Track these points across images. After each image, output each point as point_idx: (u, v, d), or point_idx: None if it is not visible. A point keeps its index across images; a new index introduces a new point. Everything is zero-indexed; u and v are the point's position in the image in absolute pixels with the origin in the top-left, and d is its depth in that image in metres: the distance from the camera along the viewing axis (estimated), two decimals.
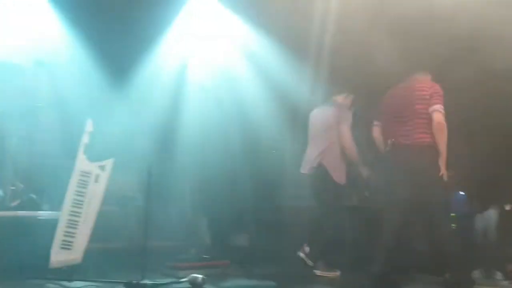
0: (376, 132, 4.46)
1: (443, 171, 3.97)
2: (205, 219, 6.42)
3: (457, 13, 4.57)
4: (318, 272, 4.82)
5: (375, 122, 4.50)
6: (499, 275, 5.03)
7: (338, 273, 4.85)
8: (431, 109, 3.98)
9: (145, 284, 3.56)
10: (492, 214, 5.51)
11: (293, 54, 6.02)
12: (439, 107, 3.97)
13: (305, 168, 5.04)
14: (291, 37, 5.81)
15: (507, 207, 5.25)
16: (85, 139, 4.02)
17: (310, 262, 4.81)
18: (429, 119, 3.99)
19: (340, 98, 5.06)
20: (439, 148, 3.97)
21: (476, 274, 5.27)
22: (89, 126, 4.04)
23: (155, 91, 6.46)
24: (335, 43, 5.69)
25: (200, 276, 3.68)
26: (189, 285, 3.69)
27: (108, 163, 4.17)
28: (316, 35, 5.83)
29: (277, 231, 6.28)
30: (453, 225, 6.28)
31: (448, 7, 4.65)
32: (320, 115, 5.06)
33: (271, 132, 6.57)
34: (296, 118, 6.03)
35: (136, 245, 5.67)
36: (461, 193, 6.37)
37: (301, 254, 4.86)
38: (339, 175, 4.84)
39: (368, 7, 5.16)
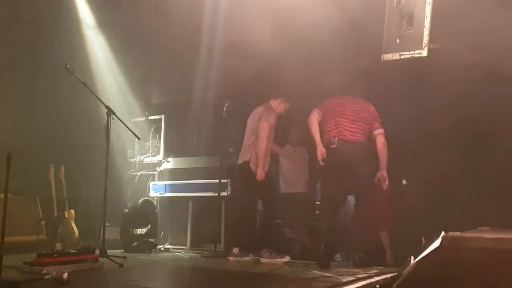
0: (314, 118, 4.93)
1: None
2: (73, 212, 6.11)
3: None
4: (264, 260, 5.00)
5: (315, 110, 4.97)
6: (357, 257, 5.51)
7: (287, 258, 5.04)
8: (376, 132, 4.89)
9: (3, 282, 3.28)
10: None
11: None
12: (382, 130, 4.88)
13: (239, 161, 5.42)
14: None
15: None
16: None
17: (244, 259, 5.12)
18: (369, 127, 4.87)
19: (273, 102, 5.40)
20: (382, 160, 4.82)
21: (337, 257, 5.71)
22: None
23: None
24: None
25: (65, 272, 3.48)
26: (53, 282, 3.47)
27: None
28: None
29: (147, 223, 6.21)
30: (317, 212, 6.74)
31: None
32: (252, 114, 5.43)
33: None
34: None
35: None
36: None
37: (231, 259, 5.13)
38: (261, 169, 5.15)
39: None
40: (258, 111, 5.37)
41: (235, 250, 5.17)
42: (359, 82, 5.15)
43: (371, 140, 4.97)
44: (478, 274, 3.04)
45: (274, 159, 5.78)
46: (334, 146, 4.75)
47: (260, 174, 5.13)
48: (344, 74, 5.09)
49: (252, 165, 5.20)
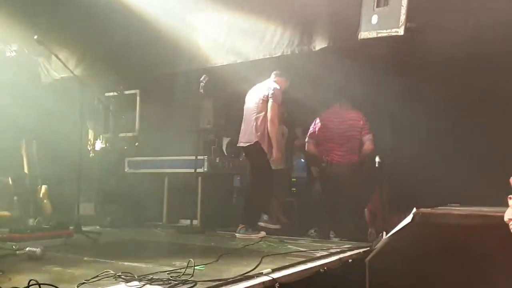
0: (311, 147, 5.67)
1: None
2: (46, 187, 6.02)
3: None
4: (240, 235, 5.12)
5: (308, 140, 5.66)
6: (332, 233, 5.65)
7: (262, 234, 5.16)
8: (364, 138, 5.36)
9: None
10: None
11: None
12: (370, 136, 5.36)
13: (241, 141, 5.42)
14: None
15: None
16: None
17: (271, 226, 5.43)
18: (359, 143, 5.36)
19: (278, 79, 5.39)
20: (363, 153, 5.41)
21: (313, 233, 5.83)
22: None
23: None
24: None
25: (38, 248, 3.45)
26: (27, 258, 3.44)
27: None
28: None
29: (122, 199, 6.17)
30: (293, 189, 6.82)
31: None
32: (255, 91, 5.38)
33: None
34: None
35: None
36: (302, 160, 6.92)
37: (263, 224, 5.41)
38: (270, 149, 5.20)
39: None
40: (262, 89, 5.30)
41: (265, 217, 5.38)
42: (337, 58, 5.17)
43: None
44: (447, 248, 3.14)
45: None
46: (323, 165, 5.52)
47: (278, 155, 5.24)
48: (321, 52, 5.10)
49: (264, 146, 5.19)
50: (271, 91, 5.21)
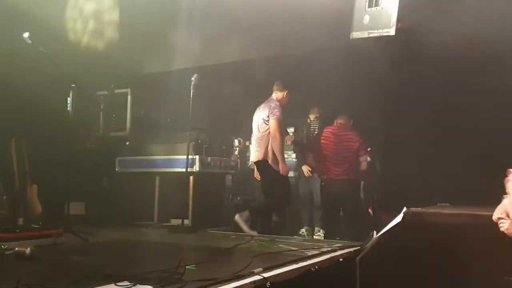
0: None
1: None
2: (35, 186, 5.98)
3: None
4: (238, 219, 5.26)
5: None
6: (316, 231, 5.72)
7: (254, 233, 5.18)
8: (361, 158, 5.65)
9: None
10: (316, 178, 6.13)
11: None
12: (366, 157, 5.65)
13: (251, 159, 5.79)
14: None
15: None
16: None
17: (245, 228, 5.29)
18: (355, 163, 5.63)
19: (278, 95, 5.57)
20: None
21: (302, 231, 5.85)
22: None
23: None
24: None
25: (28, 247, 3.42)
26: (16, 258, 3.41)
27: None
28: None
29: (113, 198, 6.14)
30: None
31: None
32: (260, 110, 5.63)
33: None
34: None
35: None
36: (293, 159, 6.92)
37: (237, 217, 5.32)
38: (275, 163, 5.38)
39: None
40: (264, 109, 5.49)
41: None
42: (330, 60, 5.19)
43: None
44: (437, 247, 3.16)
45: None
46: (323, 183, 5.86)
47: (284, 169, 5.39)
48: (314, 52, 5.13)
49: (271, 163, 5.40)
50: (271, 111, 5.42)
